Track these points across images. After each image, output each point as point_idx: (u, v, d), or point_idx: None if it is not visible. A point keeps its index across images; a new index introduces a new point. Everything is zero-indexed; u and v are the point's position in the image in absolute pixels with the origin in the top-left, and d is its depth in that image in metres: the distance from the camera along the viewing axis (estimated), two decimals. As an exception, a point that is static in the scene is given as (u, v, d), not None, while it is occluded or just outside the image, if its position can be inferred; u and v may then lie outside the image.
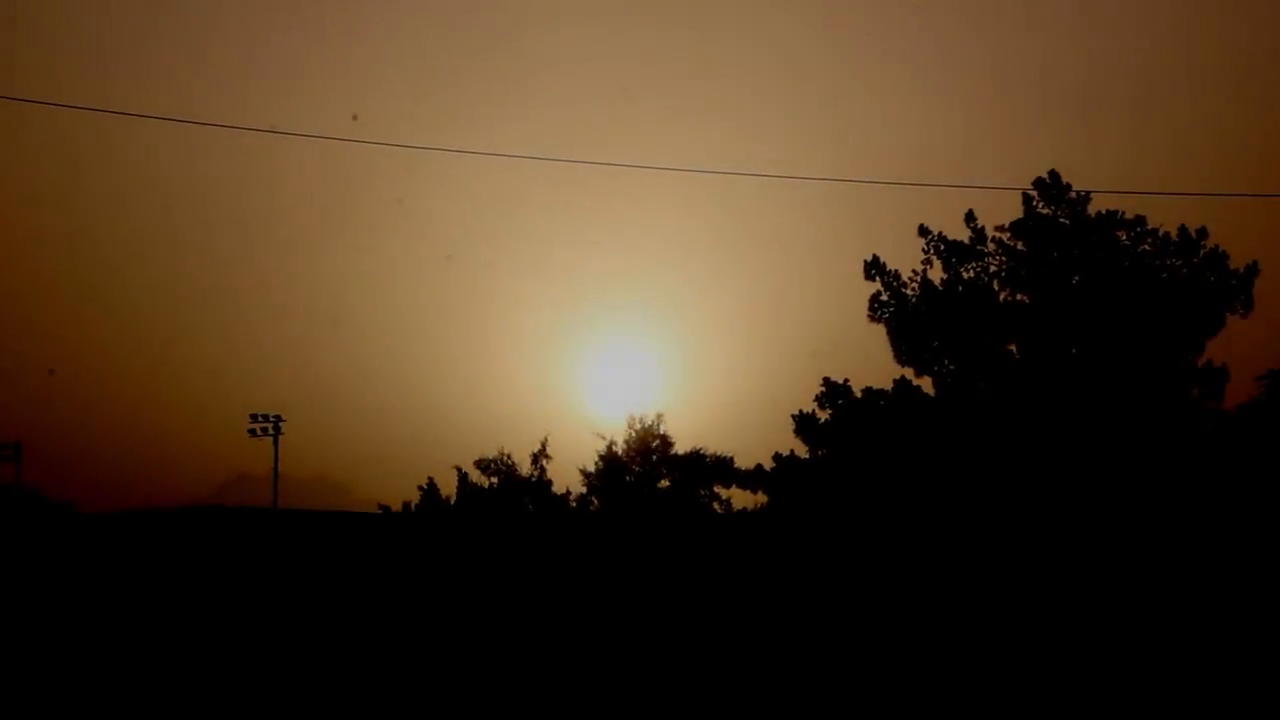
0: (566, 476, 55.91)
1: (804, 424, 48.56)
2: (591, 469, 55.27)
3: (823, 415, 48.50)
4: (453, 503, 56.08)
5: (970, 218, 47.64)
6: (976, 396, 47.03)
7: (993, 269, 47.44)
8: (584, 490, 55.35)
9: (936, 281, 47.60)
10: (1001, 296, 47.39)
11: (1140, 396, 45.60)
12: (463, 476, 56.01)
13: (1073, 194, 47.27)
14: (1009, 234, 47.41)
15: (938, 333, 47.23)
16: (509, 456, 55.83)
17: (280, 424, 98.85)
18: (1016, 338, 47.00)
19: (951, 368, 47.38)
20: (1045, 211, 47.24)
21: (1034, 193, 47.36)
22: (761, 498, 51.28)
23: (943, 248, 47.61)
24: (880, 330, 47.75)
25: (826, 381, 48.56)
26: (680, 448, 55.56)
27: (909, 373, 47.77)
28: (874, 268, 47.83)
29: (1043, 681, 34.88)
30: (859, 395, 48.20)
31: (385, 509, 58.39)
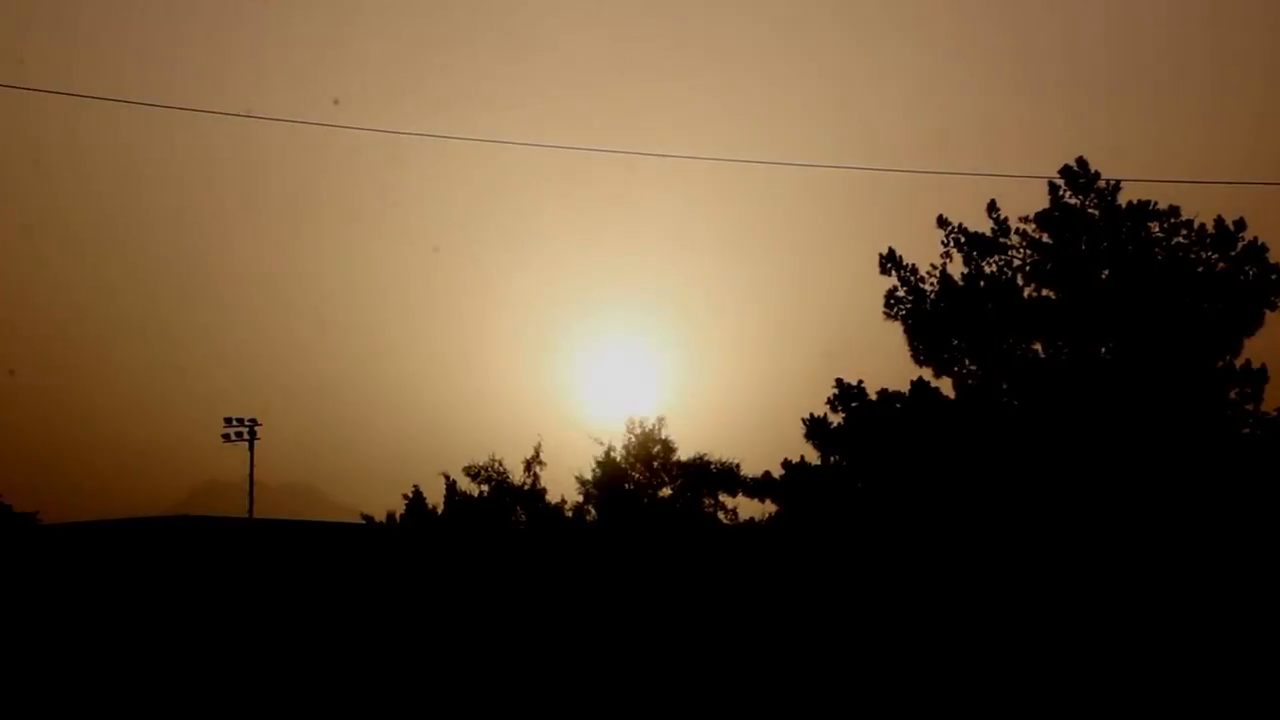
0: (562, 484, 55.88)
1: (815, 428, 48.50)
2: (588, 476, 55.23)
3: (835, 419, 48.44)
4: (440, 513, 55.98)
5: (992, 208, 47.62)
6: (999, 399, 46.99)
7: (1016, 263, 47.41)
8: (580, 499, 55.30)
9: (956, 276, 47.56)
10: (1026, 292, 47.36)
11: (1174, 399, 45.54)
12: (451, 484, 55.95)
13: (1102, 183, 47.22)
14: (1034, 225, 47.36)
15: (958, 331, 47.20)
16: (500, 463, 55.78)
17: (256, 428, 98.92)
18: (1042, 336, 46.95)
19: (972, 368, 47.36)
20: (1072, 201, 47.21)
21: (1060, 181, 47.32)
22: (770, 507, 51.19)
23: (963, 240, 47.57)
24: (896, 328, 47.77)
25: (839, 383, 48.50)
26: (683, 453, 55.56)
27: (927, 373, 47.77)
28: (890, 261, 47.79)
29: (1076, 704, 34.86)
30: (874, 397, 48.14)
31: (368, 519, 58.32)
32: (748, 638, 44.83)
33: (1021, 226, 47.44)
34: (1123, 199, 47.12)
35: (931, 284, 47.54)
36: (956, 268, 47.65)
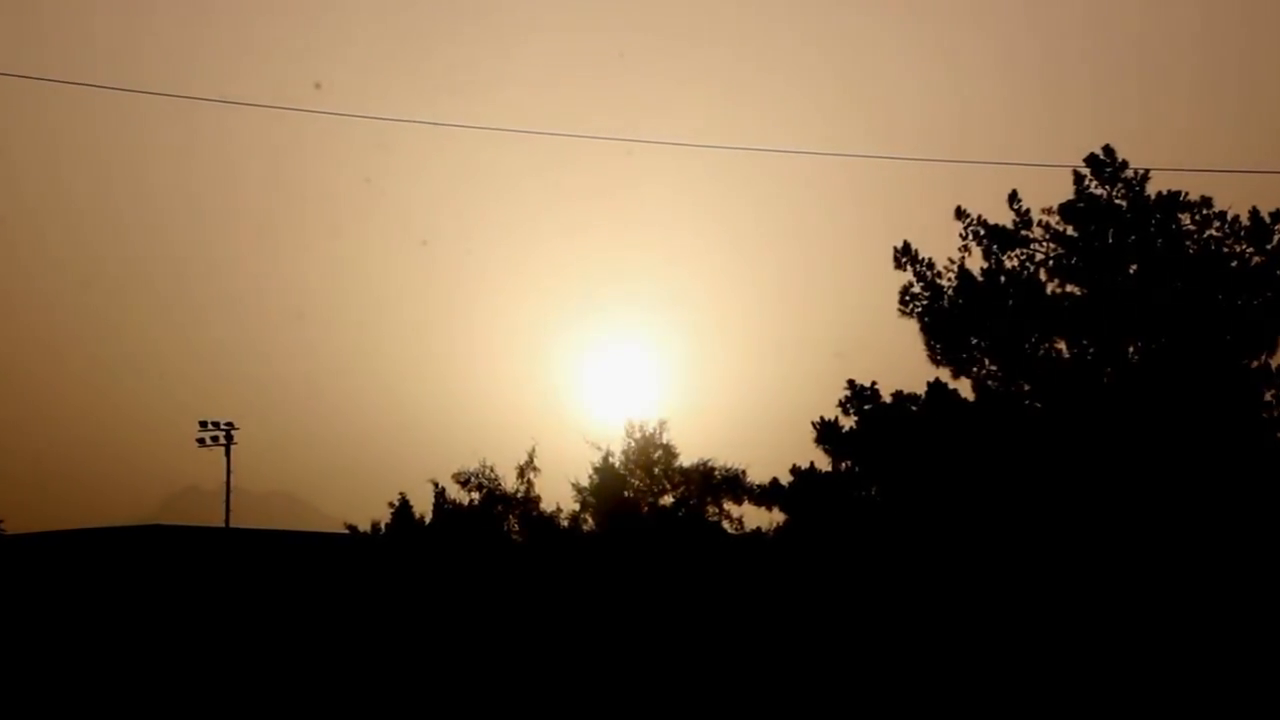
0: (557, 491, 55.65)
1: (826, 432, 48.34)
2: (585, 483, 54.97)
3: (847, 422, 48.29)
4: (428, 522, 55.78)
5: (1014, 199, 47.46)
6: (1021, 401, 46.87)
7: (1039, 257, 47.32)
8: (576, 507, 55.06)
9: (976, 271, 47.45)
10: (1049, 288, 47.25)
11: (1206, 401, 45.44)
12: (439, 492, 55.69)
13: (1129, 172, 47.11)
14: (1057, 217, 47.26)
15: (977, 329, 47.12)
16: (492, 469, 55.48)
17: (233, 432, 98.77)
18: (1066, 335, 46.86)
19: (992, 368, 47.29)
20: (1098, 192, 47.07)
21: (1086, 171, 47.19)
22: (778, 515, 51.05)
23: (983, 233, 47.45)
24: (912, 326, 47.67)
25: (851, 384, 48.35)
26: (686, 459, 55.23)
27: (945, 374, 47.64)
28: (905, 255, 47.67)
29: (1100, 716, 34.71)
30: (888, 400, 48.00)
31: (352, 529, 58.09)
32: (753, 653, 44.66)
33: (1044, 218, 47.37)
34: (1152, 189, 47.04)
35: (949, 279, 47.42)
36: (976, 262, 47.59)
